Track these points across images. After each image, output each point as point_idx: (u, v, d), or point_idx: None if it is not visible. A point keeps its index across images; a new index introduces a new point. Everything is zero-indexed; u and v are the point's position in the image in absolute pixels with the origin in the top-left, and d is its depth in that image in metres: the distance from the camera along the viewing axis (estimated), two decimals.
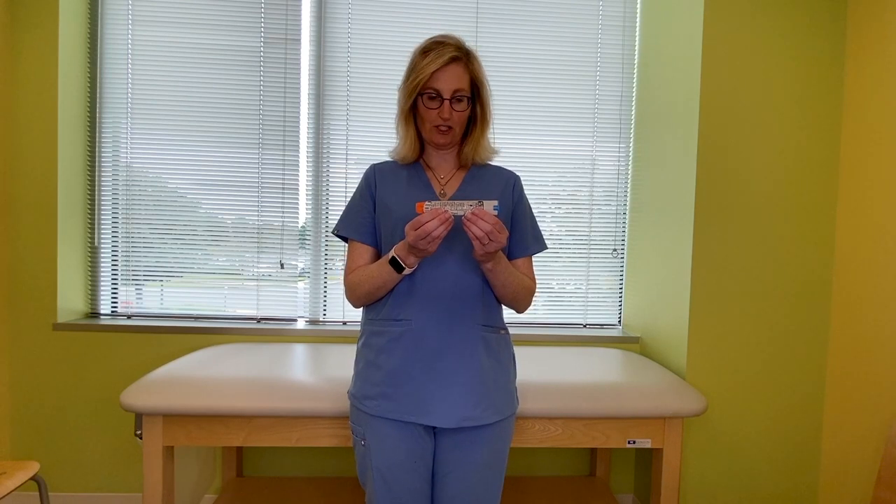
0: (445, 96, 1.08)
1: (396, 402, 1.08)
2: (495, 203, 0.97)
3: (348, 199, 2.13)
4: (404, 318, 1.10)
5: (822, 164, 1.78)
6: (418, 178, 1.17)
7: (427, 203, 0.98)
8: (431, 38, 1.11)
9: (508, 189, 1.20)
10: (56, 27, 1.94)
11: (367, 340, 1.15)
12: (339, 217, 1.36)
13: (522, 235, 1.20)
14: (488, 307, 1.15)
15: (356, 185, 2.23)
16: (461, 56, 1.10)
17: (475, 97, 1.14)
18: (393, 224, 1.12)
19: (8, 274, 1.97)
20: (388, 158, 1.23)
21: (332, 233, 1.23)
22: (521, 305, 1.18)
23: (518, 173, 1.26)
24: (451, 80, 1.08)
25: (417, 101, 1.11)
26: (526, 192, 1.27)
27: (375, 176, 1.19)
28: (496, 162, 1.25)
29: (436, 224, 0.95)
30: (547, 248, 1.26)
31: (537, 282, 1.37)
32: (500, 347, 1.17)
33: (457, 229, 1.09)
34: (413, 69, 1.10)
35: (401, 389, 1.08)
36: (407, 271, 1.06)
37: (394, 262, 1.05)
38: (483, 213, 0.96)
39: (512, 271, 1.11)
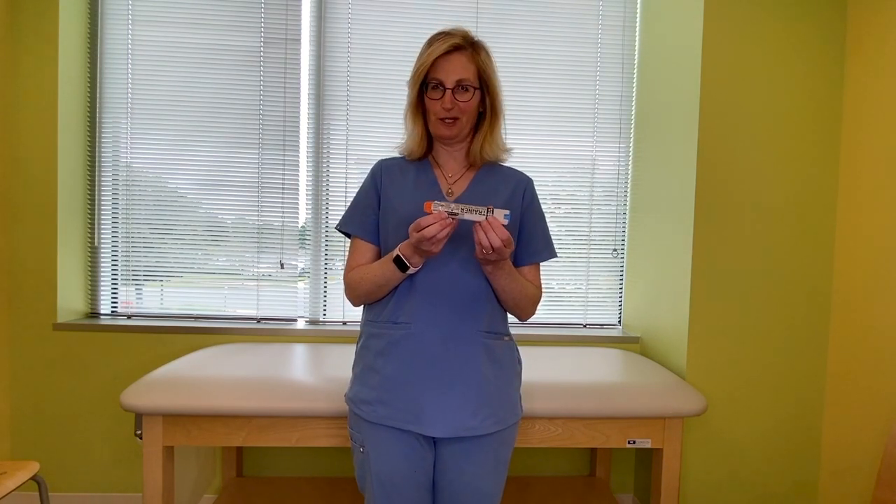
0: (447, 85, 1.05)
1: (393, 409, 1.05)
2: (507, 212, 0.94)
3: (348, 199, 2.14)
4: (404, 322, 1.07)
5: (821, 163, 1.78)
6: (425, 177, 1.13)
7: (435, 203, 0.94)
8: (439, 31, 1.08)
9: (519, 192, 1.15)
10: (56, 27, 1.94)
11: (366, 343, 1.13)
12: (340, 215, 1.34)
13: (531, 241, 1.15)
14: (492, 313, 1.11)
15: (356, 185, 2.23)
16: (465, 46, 1.07)
17: (483, 90, 1.10)
18: (396, 224, 1.09)
19: (8, 274, 1.97)
20: (397, 154, 1.19)
21: (336, 228, 1.20)
22: (522, 313, 1.15)
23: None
24: (453, 70, 1.05)
25: (422, 93, 1.09)
26: None
27: (382, 173, 1.15)
28: (509, 163, 1.21)
29: (437, 229, 0.93)
30: (557, 255, 1.20)
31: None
32: (503, 355, 1.13)
33: (463, 231, 1.06)
34: (418, 60, 1.08)
35: (398, 396, 1.05)
36: (411, 270, 1.03)
37: (398, 261, 1.02)
38: (496, 225, 0.93)
39: (515, 277, 1.08)
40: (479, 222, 0.94)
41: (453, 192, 1.13)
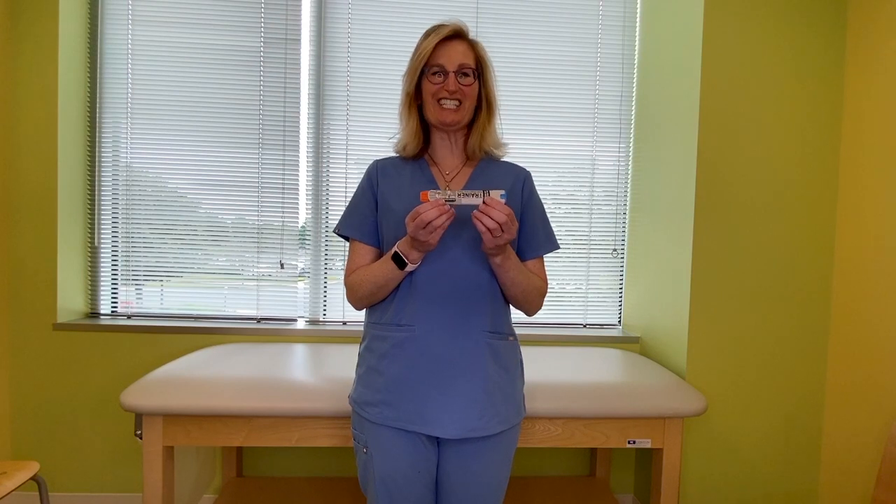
0: (450, 69, 1.05)
1: (398, 411, 1.05)
2: (502, 192, 0.94)
3: (348, 199, 2.14)
4: (407, 324, 1.06)
5: (822, 164, 1.78)
6: (422, 175, 1.13)
7: (431, 192, 0.94)
8: (435, 24, 1.10)
9: (518, 185, 1.15)
10: (56, 27, 1.94)
11: (370, 344, 1.12)
12: (339, 216, 1.34)
13: (533, 234, 1.15)
14: (496, 312, 1.11)
15: (356, 185, 2.22)
16: (464, 34, 1.09)
17: (480, 79, 1.11)
18: (395, 223, 1.08)
19: (8, 274, 1.97)
20: (393, 153, 1.18)
21: (334, 231, 1.20)
22: (530, 307, 1.14)
23: None
24: (454, 55, 1.06)
25: (422, 82, 1.08)
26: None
27: (378, 172, 1.15)
28: (506, 160, 1.21)
29: (435, 213, 0.92)
30: (559, 247, 1.20)
31: None
32: (507, 355, 1.12)
33: (462, 224, 1.05)
34: (416, 50, 1.09)
35: (403, 397, 1.05)
36: (410, 267, 1.03)
37: (396, 258, 1.02)
38: (495, 203, 0.92)
39: (522, 269, 1.07)
40: (478, 207, 0.93)
41: (451, 189, 1.13)
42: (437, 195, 0.94)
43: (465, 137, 1.15)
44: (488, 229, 0.93)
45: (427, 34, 1.08)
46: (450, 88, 1.05)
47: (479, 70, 1.10)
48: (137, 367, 2.02)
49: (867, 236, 1.66)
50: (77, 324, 2.00)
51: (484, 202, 0.93)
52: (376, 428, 1.08)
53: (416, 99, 1.12)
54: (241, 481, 1.97)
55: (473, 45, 1.10)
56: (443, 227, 0.94)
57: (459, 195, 0.94)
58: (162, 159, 2.13)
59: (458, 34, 1.08)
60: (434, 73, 1.07)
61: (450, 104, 1.07)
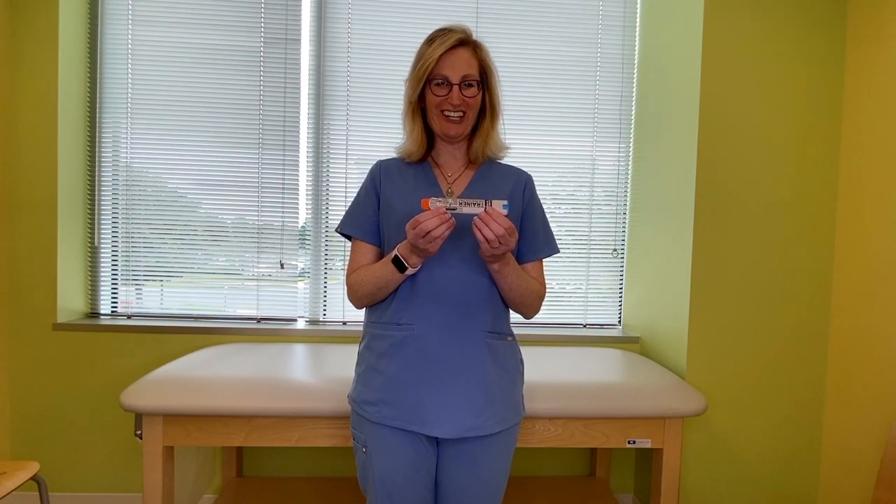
0: (454, 81, 1.04)
1: (397, 410, 1.05)
2: (504, 202, 0.94)
3: (348, 199, 2.14)
4: (406, 323, 1.07)
5: (822, 163, 1.78)
6: (425, 177, 1.13)
7: (433, 199, 0.94)
8: (438, 28, 1.08)
9: (519, 188, 1.15)
10: (56, 27, 1.94)
11: (369, 343, 1.12)
12: (340, 215, 1.34)
13: (533, 238, 1.16)
14: (495, 313, 1.11)
15: (356, 185, 2.23)
16: (468, 41, 1.07)
17: (484, 85, 1.10)
18: (396, 223, 1.08)
19: (8, 274, 1.97)
20: (395, 155, 1.18)
21: (336, 230, 1.20)
22: (529, 310, 1.14)
23: None
24: (458, 65, 1.05)
25: (425, 91, 1.08)
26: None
27: (381, 173, 1.15)
28: (507, 160, 1.21)
29: (435, 223, 0.92)
30: (559, 251, 1.20)
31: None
32: (506, 355, 1.13)
33: (463, 229, 1.05)
34: (419, 58, 1.07)
35: (401, 397, 1.05)
36: (410, 271, 1.03)
37: (397, 262, 1.02)
38: (496, 215, 0.92)
39: (520, 273, 1.08)
40: (479, 215, 0.93)
41: (453, 192, 1.13)
42: (438, 203, 0.93)
43: (469, 142, 1.15)
44: (487, 240, 0.93)
45: (430, 40, 1.07)
46: (454, 102, 1.05)
47: (483, 77, 1.10)
48: (137, 367, 2.02)
49: (867, 237, 1.66)
50: (77, 324, 2.00)
51: (486, 211, 0.93)
52: (375, 427, 1.08)
53: (419, 103, 1.11)
54: (241, 481, 1.97)
55: (477, 51, 1.08)
56: (442, 237, 0.94)
57: (461, 204, 0.94)
58: (162, 159, 2.13)
59: (462, 42, 1.06)
60: (438, 84, 1.06)
61: (454, 116, 1.07)
